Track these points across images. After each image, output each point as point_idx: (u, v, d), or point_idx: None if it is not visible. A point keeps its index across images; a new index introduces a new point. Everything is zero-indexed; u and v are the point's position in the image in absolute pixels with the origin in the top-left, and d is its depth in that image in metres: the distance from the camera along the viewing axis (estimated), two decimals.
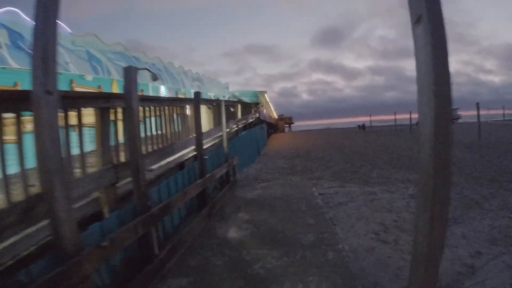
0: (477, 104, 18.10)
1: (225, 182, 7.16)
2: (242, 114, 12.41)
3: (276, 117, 56.37)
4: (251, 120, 14.61)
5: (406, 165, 10.34)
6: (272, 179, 8.56)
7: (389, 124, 51.24)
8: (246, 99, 19.50)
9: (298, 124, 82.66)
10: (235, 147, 9.14)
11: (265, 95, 25.45)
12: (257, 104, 17.93)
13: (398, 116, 32.78)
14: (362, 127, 38.79)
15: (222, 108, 7.29)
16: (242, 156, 10.20)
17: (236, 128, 10.57)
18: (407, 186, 7.15)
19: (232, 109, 9.25)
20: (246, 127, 13.01)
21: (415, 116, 32.42)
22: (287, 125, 62.04)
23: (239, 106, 11.39)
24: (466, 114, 57.26)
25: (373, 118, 38.16)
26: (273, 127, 44.23)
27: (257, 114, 18.11)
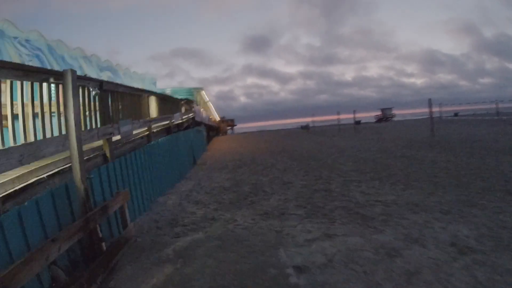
0: (429, 100, 16.51)
1: (89, 252, 3.26)
2: (163, 112, 8.45)
3: (218, 119, 52.69)
4: (180, 121, 10.66)
5: (384, 174, 7.46)
6: (202, 221, 4.73)
7: (329, 124, 50.85)
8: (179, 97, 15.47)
9: (240, 126, 79.88)
10: (138, 167, 5.28)
11: (203, 92, 21.42)
12: (188, 101, 13.97)
13: (335, 116, 31.77)
14: (306, 127, 36.86)
15: (68, 91, 3.15)
16: (157, 177, 6.37)
17: (147, 132, 6.64)
18: (430, 223, 4.04)
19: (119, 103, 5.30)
20: (170, 130, 9.07)
21: (357, 115, 31.65)
22: (229, 127, 58.89)
23: (151, 98, 7.41)
24: (398, 112, 59.91)
25: (313, 118, 36.48)
26: (214, 129, 40.46)
27: (191, 114, 14.22)
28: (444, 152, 10.57)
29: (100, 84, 4.34)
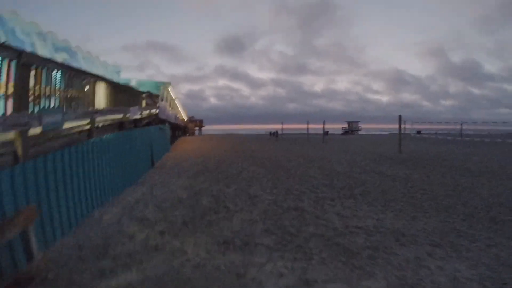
0: (400, 116, 16.38)
1: None
2: (115, 104, 7.16)
3: (186, 118, 50.79)
4: (139, 117, 9.34)
5: (359, 191, 6.78)
6: (141, 251, 3.51)
7: (298, 132, 50.96)
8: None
9: (208, 128, 78.16)
10: (66, 170, 4.01)
11: (170, 88, 19.81)
12: (152, 95, 12.47)
13: (304, 126, 31.62)
14: (275, 134, 36.28)
15: None
16: (97, 183, 5.09)
17: (89, 126, 5.39)
18: (423, 260, 3.27)
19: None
20: (124, 125, 7.77)
21: (325, 126, 31.64)
22: (197, 128, 57.06)
23: (99, 85, 6.13)
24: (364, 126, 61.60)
25: (282, 126, 36.00)
26: (181, 129, 38.69)
27: (154, 110, 12.83)
28: (415, 170, 10.23)
29: (18, 55, 3.13)
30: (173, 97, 23.59)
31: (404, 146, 19.50)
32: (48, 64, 3.76)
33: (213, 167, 10.66)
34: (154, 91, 15.00)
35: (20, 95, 3.31)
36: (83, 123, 5.18)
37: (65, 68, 4.23)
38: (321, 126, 32.31)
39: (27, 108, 3.33)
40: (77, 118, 4.68)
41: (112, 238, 3.86)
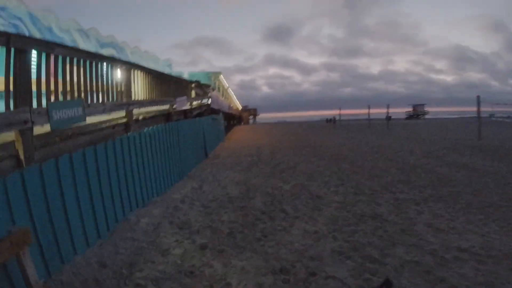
0: (478, 97, 13.53)
1: None
2: (159, 95, 6.51)
3: (240, 108, 50.84)
4: (188, 108, 8.71)
5: (446, 192, 5.20)
6: (172, 276, 2.65)
7: (355, 118, 47.65)
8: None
9: (262, 116, 77.78)
10: (92, 172, 3.32)
11: (221, 77, 19.26)
12: (201, 85, 11.85)
13: (361, 111, 28.92)
14: (332, 120, 34.09)
15: None
16: (136, 181, 4.43)
17: (125, 120, 4.74)
18: None
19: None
20: (170, 117, 7.14)
21: (390, 110, 28.56)
22: (251, 117, 56.97)
23: (137, 74, 5.44)
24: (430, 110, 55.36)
25: (339, 111, 33.41)
26: (235, 118, 38.60)
27: (206, 100, 12.27)
28: (503, 161, 8.03)
29: (6, 39, 2.44)
30: (226, 87, 23.10)
31: (476, 132, 16.67)
32: (55, 49, 3.04)
33: (267, 158, 9.71)
34: (205, 82, 14.48)
35: (19, 88, 2.63)
36: (116, 117, 4.53)
37: (82, 54, 3.51)
38: (381, 110, 29.47)
39: (30, 104, 2.65)
40: (107, 110, 3.98)
41: (143, 253, 3.09)
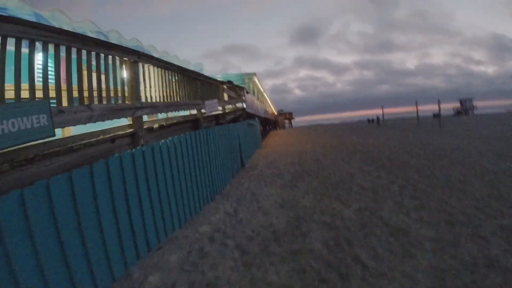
0: None
1: None
2: (185, 97, 5.24)
3: (276, 112, 49.36)
4: (219, 112, 7.42)
5: None
6: None
7: (398, 117, 44.10)
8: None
9: (297, 120, 75.70)
10: (70, 215, 2.09)
11: (256, 79, 17.78)
12: (234, 86, 10.49)
13: (404, 108, 26.01)
14: (376, 121, 31.31)
15: None
16: (149, 216, 3.17)
17: (131, 130, 3.46)
18: None
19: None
20: (199, 124, 5.87)
21: (430, 107, 25.43)
22: (287, 121, 55.17)
23: (147, 68, 4.13)
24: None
25: (382, 110, 30.43)
26: (271, 123, 37.18)
27: (240, 104, 10.96)
28: None
29: None
30: (261, 89, 21.67)
31: None
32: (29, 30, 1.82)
33: (313, 168, 8.13)
34: (239, 84, 13.22)
35: None
36: (117, 126, 3.27)
37: (51, 34, 2.25)
38: (424, 108, 26.38)
39: None
40: (96, 117, 2.71)
41: None
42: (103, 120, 3.07)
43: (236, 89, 10.52)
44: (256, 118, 15.28)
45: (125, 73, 3.57)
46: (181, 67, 5.10)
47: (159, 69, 4.36)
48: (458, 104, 48.30)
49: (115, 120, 3.46)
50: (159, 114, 4.85)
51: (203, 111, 6.03)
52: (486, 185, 5.27)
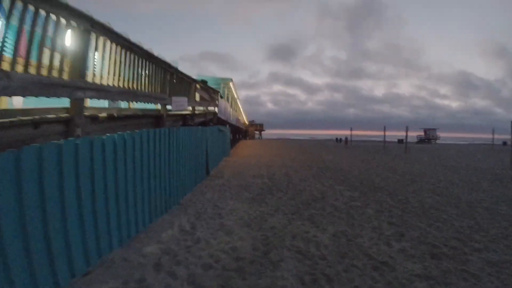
0: None
1: None
2: (150, 87, 4.44)
3: (247, 122, 49.02)
4: (188, 113, 6.65)
5: None
6: None
7: (364, 139, 45.57)
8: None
9: (267, 132, 75.95)
10: None
11: (231, 85, 17.03)
12: (208, 88, 9.75)
13: (369, 132, 26.82)
14: (345, 141, 31.87)
15: None
16: (83, 234, 2.30)
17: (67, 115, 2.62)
18: None
19: None
20: (162, 121, 5.07)
21: (394, 133, 26.46)
22: (257, 132, 55.08)
23: (102, 42, 3.31)
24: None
25: (351, 132, 31.05)
26: (242, 132, 36.64)
27: (212, 108, 10.23)
28: None
29: None
30: (235, 97, 21.05)
31: (502, 161, 15.33)
32: None
33: (283, 183, 7.56)
34: (214, 87, 12.49)
35: None
36: (44, 107, 2.44)
37: None
38: (389, 133, 27.31)
39: None
40: (20, 90, 1.92)
41: None
42: (24, 96, 2.24)
43: (210, 90, 9.78)
44: (228, 125, 14.58)
45: (70, 42, 2.76)
46: (149, 52, 4.31)
47: (120, 47, 3.55)
48: (422, 133, 51.21)
49: (48, 100, 2.63)
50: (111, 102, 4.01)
51: (168, 107, 5.25)
52: (463, 216, 4.99)
